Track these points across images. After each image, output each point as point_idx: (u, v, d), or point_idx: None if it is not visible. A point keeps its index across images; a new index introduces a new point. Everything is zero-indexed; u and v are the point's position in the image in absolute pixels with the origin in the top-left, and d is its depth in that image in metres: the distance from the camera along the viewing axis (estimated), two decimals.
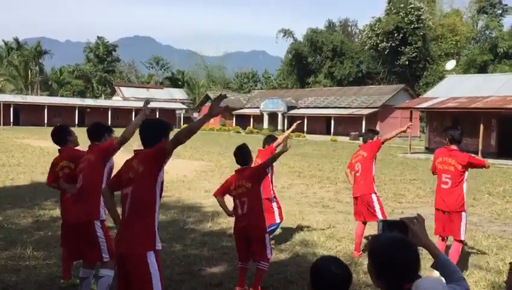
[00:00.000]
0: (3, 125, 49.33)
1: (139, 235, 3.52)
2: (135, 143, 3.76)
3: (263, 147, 7.21)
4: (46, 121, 53.63)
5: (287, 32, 71.84)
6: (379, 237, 2.15)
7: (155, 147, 3.54)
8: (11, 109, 52.49)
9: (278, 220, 6.87)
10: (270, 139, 7.29)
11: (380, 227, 2.21)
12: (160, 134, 3.66)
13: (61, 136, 5.33)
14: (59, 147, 5.37)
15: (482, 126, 25.28)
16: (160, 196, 3.62)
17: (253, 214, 5.12)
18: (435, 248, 2.21)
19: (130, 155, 3.71)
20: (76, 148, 5.37)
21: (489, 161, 23.78)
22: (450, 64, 38.51)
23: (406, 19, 58.23)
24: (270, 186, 6.79)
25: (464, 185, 5.85)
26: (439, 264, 2.16)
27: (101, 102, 62.88)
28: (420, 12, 58.92)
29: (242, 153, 5.42)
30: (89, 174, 4.57)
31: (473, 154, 6.60)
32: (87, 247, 4.49)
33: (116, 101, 64.16)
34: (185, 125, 3.61)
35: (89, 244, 4.47)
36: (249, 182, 5.15)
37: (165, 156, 3.53)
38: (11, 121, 51.78)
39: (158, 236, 3.57)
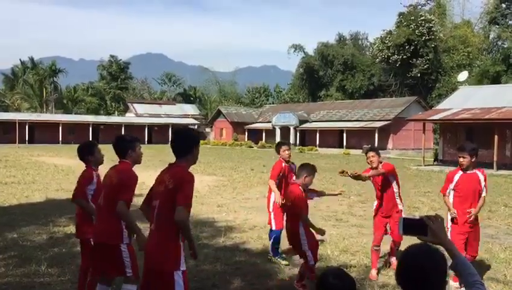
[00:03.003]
0: (19, 143, 49.97)
1: (166, 252, 3.53)
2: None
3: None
4: (60, 139, 54.27)
5: (298, 47, 72.17)
6: (410, 247, 2.15)
7: (186, 184, 3.53)
8: (27, 127, 53.23)
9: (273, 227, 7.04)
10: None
11: (401, 225, 2.22)
12: (191, 143, 3.79)
13: (81, 154, 5.18)
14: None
15: (496, 137, 25.00)
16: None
17: None
18: (453, 247, 2.19)
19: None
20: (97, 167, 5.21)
21: (505, 172, 23.52)
22: (463, 75, 38.30)
23: (416, 31, 58.15)
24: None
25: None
26: (458, 265, 2.13)
27: (115, 119, 63.53)
28: (431, 25, 58.83)
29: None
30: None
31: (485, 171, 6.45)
32: (111, 262, 4.45)
33: (129, 118, 64.75)
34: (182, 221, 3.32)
35: (113, 261, 4.43)
36: None
37: (185, 202, 3.50)
38: (27, 139, 52.47)
39: (183, 256, 3.57)
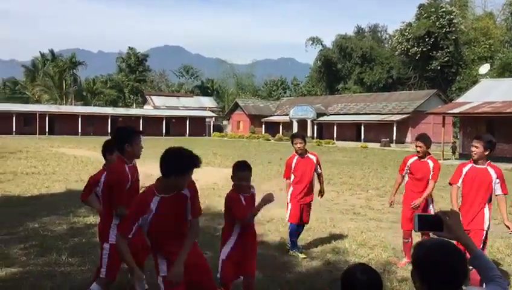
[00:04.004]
0: (39, 134, 50.74)
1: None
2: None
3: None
4: (80, 130, 54.95)
5: (315, 40, 71.69)
6: (424, 242, 2.09)
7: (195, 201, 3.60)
8: (47, 118, 54.02)
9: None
10: None
11: (416, 221, 2.18)
12: (169, 172, 3.40)
13: (103, 151, 4.88)
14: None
15: None
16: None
17: None
18: (470, 242, 2.13)
19: None
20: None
21: None
22: (484, 68, 37.63)
23: (437, 23, 57.26)
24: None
25: None
26: (475, 260, 2.09)
27: (133, 111, 64.05)
28: (452, 16, 57.86)
29: None
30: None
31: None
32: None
33: (147, 110, 65.23)
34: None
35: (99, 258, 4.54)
36: None
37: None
38: (47, 130, 53.25)
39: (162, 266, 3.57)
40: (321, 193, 7.28)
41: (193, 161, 3.37)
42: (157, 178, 3.53)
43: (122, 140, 4.36)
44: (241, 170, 4.42)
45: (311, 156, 7.06)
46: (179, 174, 3.35)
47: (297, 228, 7.04)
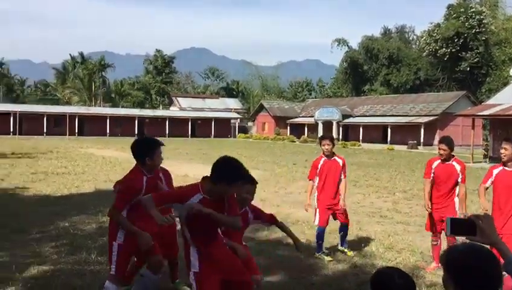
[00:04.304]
0: (69, 135, 51.85)
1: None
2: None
3: None
4: (108, 131, 55.89)
5: (341, 41, 71.23)
6: (457, 246, 2.06)
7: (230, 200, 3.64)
8: (76, 119, 55.14)
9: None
10: None
11: (448, 225, 2.14)
12: (219, 178, 3.52)
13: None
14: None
15: None
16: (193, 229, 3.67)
17: None
18: (505, 247, 2.08)
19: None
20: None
21: None
22: None
23: (466, 23, 56.17)
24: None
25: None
26: (510, 265, 2.04)
27: (159, 112, 64.83)
28: (482, 17, 56.68)
29: None
30: None
31: None
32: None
33: (173, 111, 65.91)
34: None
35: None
36: None
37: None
38: (76, 131, 54.35)
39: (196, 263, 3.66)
40: (342, 206, 6.96)
41: (242, 175, 3.52)
42: (204, 177, 3.64)
43: (144, 154, 4.35)
44: (252, 183, 4.20)
45: (338, 159, 7.00)
46: (227, 184, 3.47)
47: (324, 231, 7.00)
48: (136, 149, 4.42)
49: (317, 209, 6.96)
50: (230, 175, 3.46)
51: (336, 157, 7.01)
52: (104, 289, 4.46)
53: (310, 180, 7.10)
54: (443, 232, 6.37)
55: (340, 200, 6.95)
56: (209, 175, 3.56)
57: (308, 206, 6.98)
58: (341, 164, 6.97)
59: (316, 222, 7.01)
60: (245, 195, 4.16)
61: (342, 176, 6.98)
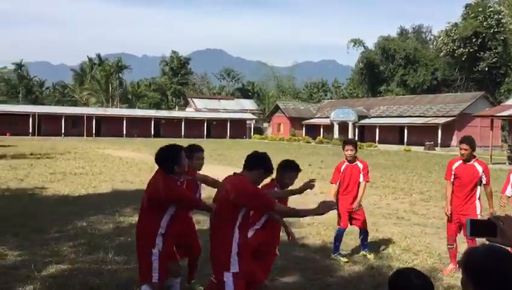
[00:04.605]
0: (87, 136, 52.48)
1: (217, 253, 3.73)
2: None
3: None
4: (125, 132, 56.38)
5: (357, 42, 70.86)
6: (476, 248, 2.03)
7: (245, 187, 3.69)
8: (94, 120, 55.76)
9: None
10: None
11: (468, 226, 2.11)
12: (256, 165, 3.91)
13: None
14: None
15: None
16: (245, 224, 3.75)
17: None
18: None
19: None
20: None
21: None
22: None
23: (484, 23, 55.45)
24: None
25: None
26: None
27: (175, 113, 65.23)
28: (500, 16, 55.90)
29: None
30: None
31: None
32: (141, 266, 4.50)
33: (189, 112, 66.24)
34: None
35: (143, 265, 4.47)
36: None
37: (260, 205, 3.80)
38: (94, 132, 54.98)
39: (237, 259, 3.64)
40: (356, 207, 6.93)
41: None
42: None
43: (172, 162, 4.26)
44: (296, 170, 4.72)
45: (359, 164, 6.98)
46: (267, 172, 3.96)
47: (343, 233, 6.99)
48: (165, 156, 4.31)
49: (338, 211, 6.96)
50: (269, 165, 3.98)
51: (357, 162, 7.00)
52: None
53: (332, 184, 7.09)
54: (459, 235, 6.30)
55: (356, 201, 6.91)
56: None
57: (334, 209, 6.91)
58: (361, 168, 6.96)
59: (338, 225, 7.02)
60: (289, 181, 4.70)
61: (361, 179, 6.94)
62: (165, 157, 4.27)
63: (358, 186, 6.95)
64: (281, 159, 4.94)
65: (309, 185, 4.76)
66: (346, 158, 6.96)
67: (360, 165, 6.96)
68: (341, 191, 6.95)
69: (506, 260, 1.87)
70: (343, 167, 6.96)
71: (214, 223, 3.81)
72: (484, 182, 6.13)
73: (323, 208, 3.69)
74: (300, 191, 4.83)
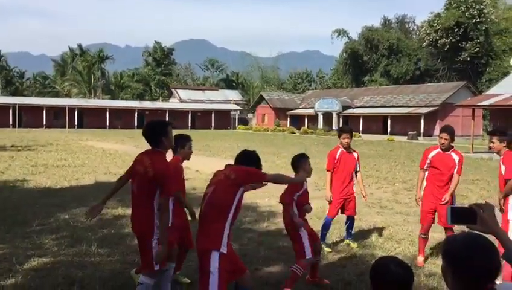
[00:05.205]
0: (69, 128, 51.81)
1: (209, 232, 3.80)
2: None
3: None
4: (108, 124, 55.83)
5: (341, 32, 71.01)
6: (456, 236, 2.05)
7: (249, 170, 4.01)
8: (76, 112, 55.09)
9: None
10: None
11: (449, 214, 2.13)
12: (250, 164, 4.11)
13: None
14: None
15: None
16: (238, 206, 3.89)
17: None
18: (505, 236, 2.08)
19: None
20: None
21: None
22: None
23: (467, 13, 55.96)
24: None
25: None
26: (509, 254, 2.03)
27: (159, 104, 64.76)
28: (482, 6, 56.45)
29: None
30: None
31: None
32: (143, 255, 4.43)
33: (173, 103, 65.83)
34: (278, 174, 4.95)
35: (144, 254, 4.39)
36: None
37: (256, 178, 4.06)
38: (76, 123, 54.34)
39: (226, 240, 3.76)
40: (364, 196, 7.25)
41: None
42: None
43: (158, 134, 4.32)
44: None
45: (354, 153, 7.08)
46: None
47: (331, 222, 7.05)
48: (150, 129, 4.45)
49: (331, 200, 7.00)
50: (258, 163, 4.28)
51: (352, 151, 7.07)
52: (141, 286, 4.32)
53: (328, 171, 7.03)
54: (433, 225, 6.37)
55: (361, 190, 7.16)
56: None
57: (329, 198, 6.94)
58: (356, 158, 7.08)
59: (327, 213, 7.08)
60: (309, 174, 5.31)
61: (358, 168, 7.14)
62: (153, 129, 4.39)
63: (353, 176, 7.02)
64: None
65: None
66: (342, 146, 6.97)
67: (355, 154, 7.11)
68: (335, 178, 6.95)
69: (483, 248, 1.90)
70: (338, 153, 6.96)
71: (210, 202, 3.86)
72: (455, 171, 6.17)
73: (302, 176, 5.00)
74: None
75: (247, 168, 4.01)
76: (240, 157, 4.22)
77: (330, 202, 6.98)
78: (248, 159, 4.18)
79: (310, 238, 5.12)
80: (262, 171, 4.17)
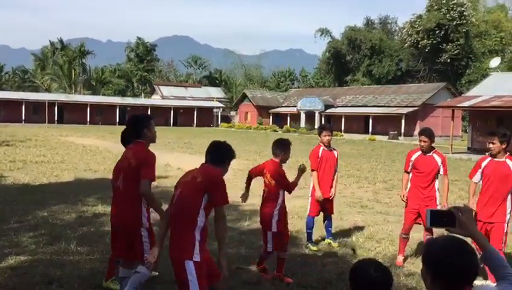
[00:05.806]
0: (48, 123, 51.06)
1: (180, 241, 3.64)
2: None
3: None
4: (88, 120, 55.15)
5: (324, 31, 71.34)
6: (435, 240, 2.07)
7: (218, 178, 3.79)
8: (56, 107, 54.26)
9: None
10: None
11: (428, 217, 2.15)
12: (224, 158, 4.01)
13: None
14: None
15: None
16: (208, 211, 3.70)
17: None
18: (483, 238, 2.11)
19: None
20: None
21: None
22: (495, 61, 37.25)
23: (448, 15, 56.72)
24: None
25: None
26: (487, 257, 2.06)
27: (141, 101, 64.20)
28: (463, 9, 57.28)
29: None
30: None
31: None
32: (130, 247, 4.46)
33: (155, 100, 65.33)
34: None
35: (132, 245, 4.45)
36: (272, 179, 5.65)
37: (219, 197, 3.77)
38: (56, 119, 53.53)
39: (198, 248, 3.58)
40: (331, 195, 7.13)
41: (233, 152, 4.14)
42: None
43: (141, 126, 4.58)
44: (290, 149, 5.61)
45: (334, 151, 7.12)
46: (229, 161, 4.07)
47: (313, 220, 7.05)
48: (133, 122, 4.77)
49: (311, 199, 7.00)
50: (231, 153, 4.17)
51: (332, 149, 7.12)
52: (138, 274, 4.34)
53: (313, 171, 6.98)
54: (414, 226, 6.44)
55: (332, 189, 7.06)
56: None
57: (321, 197, 6.90)
58: (336, 155, 7.12)
59: (308, 212, 7.08)
60: (288, 158, 5.80)
61: (337, 167, 7.17)
62: (136, 121, 4.68)
63: (334, 175, 7.05)
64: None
65: (302, 169, 5.56)
66: (323, 144, 7.00)
67: (335, 153, 7.16)
68: (318, 176, 6.95)
69: (461, 252, 1.93)
70: (320, 152, 6.98)
71: (178, 208, 3.69)
72: (441, 172, 6.25)
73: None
74: (299, 178, 5.65)
75: (219, 181, 3.74)
76: (210, 149, 3.97)
77: (318, 202, 6.97)
78: (217, 151, 3.97)
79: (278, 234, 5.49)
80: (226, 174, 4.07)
